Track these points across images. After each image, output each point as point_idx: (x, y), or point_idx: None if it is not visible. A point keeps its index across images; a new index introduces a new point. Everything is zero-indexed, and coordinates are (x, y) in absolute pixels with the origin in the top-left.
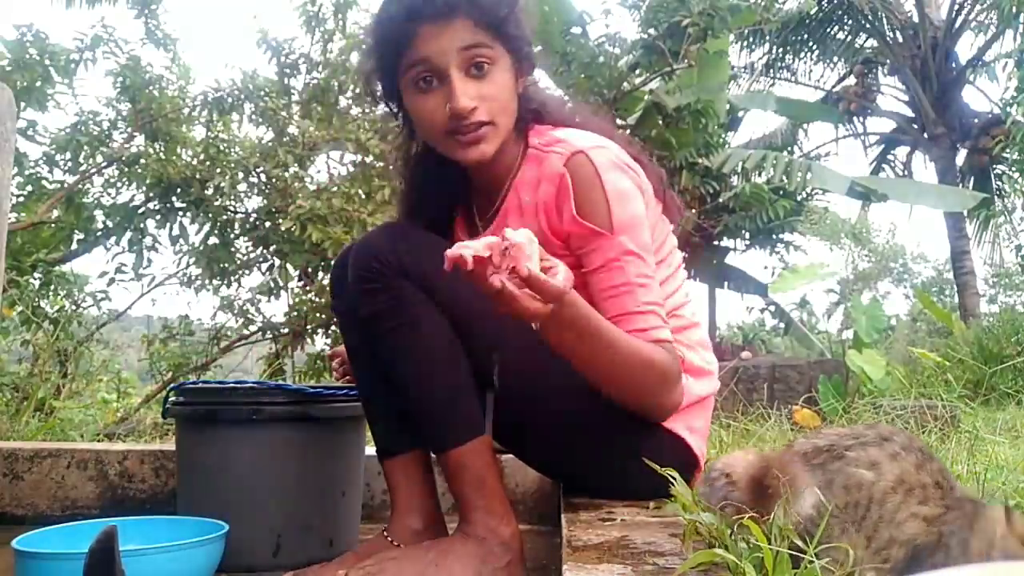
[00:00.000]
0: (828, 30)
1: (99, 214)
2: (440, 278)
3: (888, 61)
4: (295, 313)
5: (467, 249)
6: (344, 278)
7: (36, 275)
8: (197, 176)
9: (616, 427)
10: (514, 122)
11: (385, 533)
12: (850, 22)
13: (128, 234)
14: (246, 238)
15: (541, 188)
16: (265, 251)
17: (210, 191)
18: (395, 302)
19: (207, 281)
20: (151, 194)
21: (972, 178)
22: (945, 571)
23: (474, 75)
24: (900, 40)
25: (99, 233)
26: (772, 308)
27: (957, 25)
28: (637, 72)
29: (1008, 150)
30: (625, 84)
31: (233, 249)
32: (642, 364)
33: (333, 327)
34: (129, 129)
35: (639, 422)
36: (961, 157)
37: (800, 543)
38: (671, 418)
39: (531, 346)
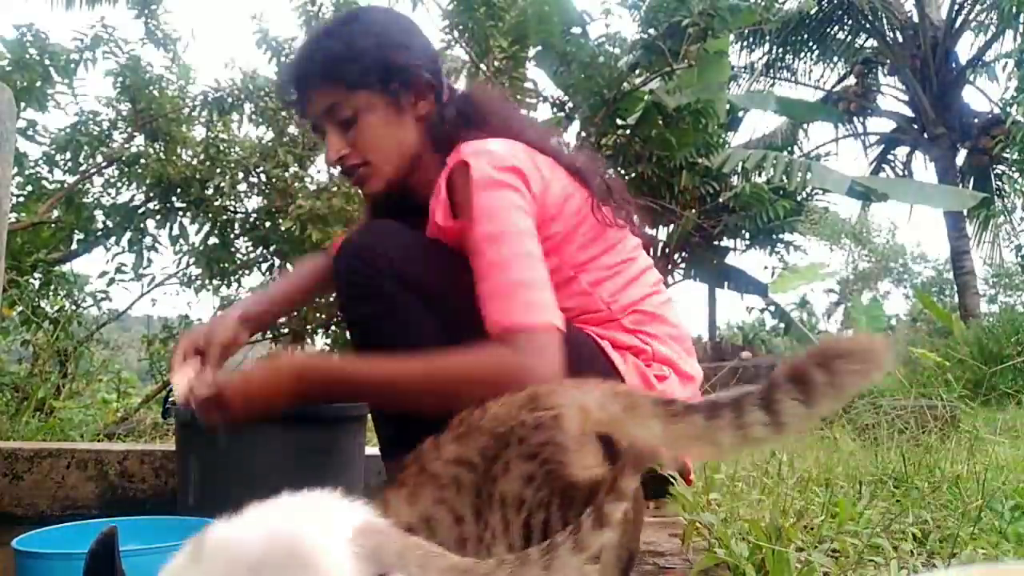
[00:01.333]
0: (828, 30)
1: (99, 214)
2: (430, 280)
3: (888, 61)
4: (295, 313)
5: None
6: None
7: (36, 275)
8: (197, 176)
9: None
10: (409, 150)
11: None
12: (850, 22)
13: (128, 234)
14: (246, 238)
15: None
16: (265, 251)
17: (210, 191)
18: (383, 309)
19: (207, 281)
20: (151, 194)
21: (972, 178)
22: (945, 571)
23: (345, 126)
24: (900, 40)
25: (99, 233)
26: (772, 308)
27: (957, 25)
28: (637, 72)
29: (1008, 150)
30: (625, 84)
31: (233, 249)
32: (445, 381)
33: (333, 327)
34: (129, 129)
35: None
36: (961, 157)
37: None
38: None
39: None
